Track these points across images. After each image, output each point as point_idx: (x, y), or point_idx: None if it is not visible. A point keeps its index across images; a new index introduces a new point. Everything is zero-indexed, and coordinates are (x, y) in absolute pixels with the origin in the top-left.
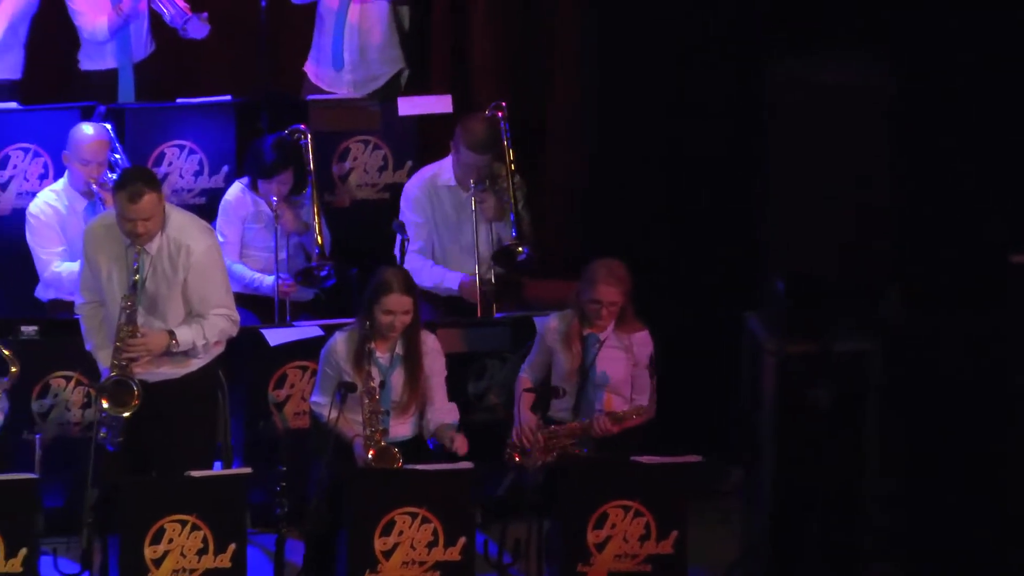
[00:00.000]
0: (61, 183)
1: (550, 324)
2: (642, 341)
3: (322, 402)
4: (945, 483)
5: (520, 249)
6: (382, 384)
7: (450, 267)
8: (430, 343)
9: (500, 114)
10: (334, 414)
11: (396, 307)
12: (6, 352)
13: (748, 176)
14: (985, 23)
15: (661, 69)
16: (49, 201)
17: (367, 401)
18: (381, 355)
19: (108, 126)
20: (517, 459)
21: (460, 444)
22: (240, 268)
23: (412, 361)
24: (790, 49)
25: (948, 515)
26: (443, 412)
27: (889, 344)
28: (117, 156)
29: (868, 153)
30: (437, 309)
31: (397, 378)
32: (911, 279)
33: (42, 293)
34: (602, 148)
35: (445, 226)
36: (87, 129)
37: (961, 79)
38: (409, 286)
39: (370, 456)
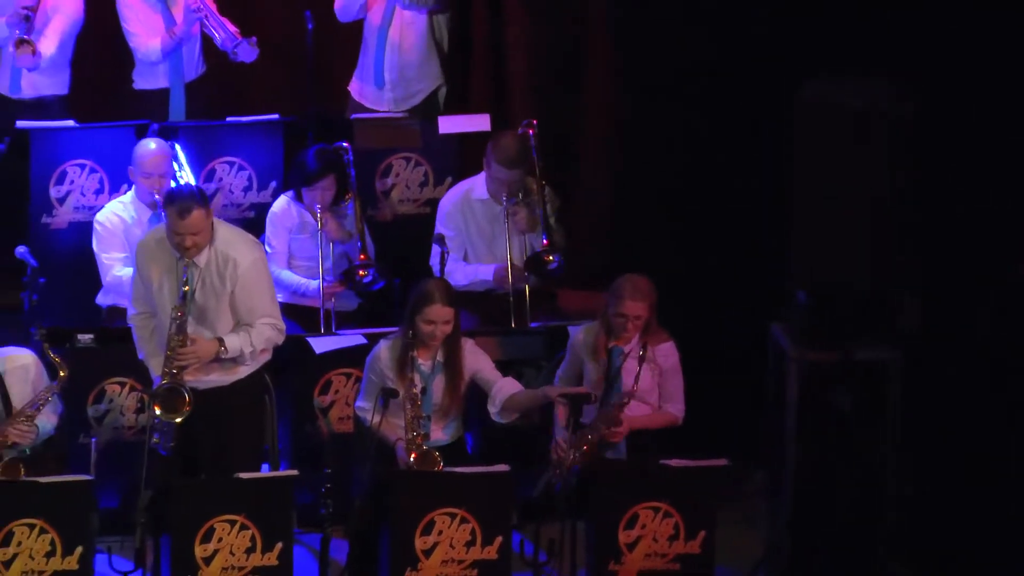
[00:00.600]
0: (129, 195)
1: (577, 336)
2: (666, 352)
3: (366, 407)
4: (961, 486)
5: (551, 257)
6: (424, 390)
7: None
8: (468, 347)
9: (531, 131)
10: (377, 418)
11: (437, 317)
12: (55, 358)
13: (773, 192)
14: (994, 51)
15: (690, 89)
16: (116, 211)
17: (409, 406)
18: (423, 362)
19: (178, 146)
20: (558, 474)
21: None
22: (287, 275)
23: (453, 368)
24: (815, 74)
25: (964, 517)
26: (508, 385)
27: (907, 352)
28: (178, 170)
29: (887, 171)
30: (476, 317)
31: (438, 384)
32: (928, 290)
33: (102, 299)
34: (632, 164)
35: (480, 238)
36: (150, 144)
37: (973, 102)
38: (451, 297)
39: (412, 459)
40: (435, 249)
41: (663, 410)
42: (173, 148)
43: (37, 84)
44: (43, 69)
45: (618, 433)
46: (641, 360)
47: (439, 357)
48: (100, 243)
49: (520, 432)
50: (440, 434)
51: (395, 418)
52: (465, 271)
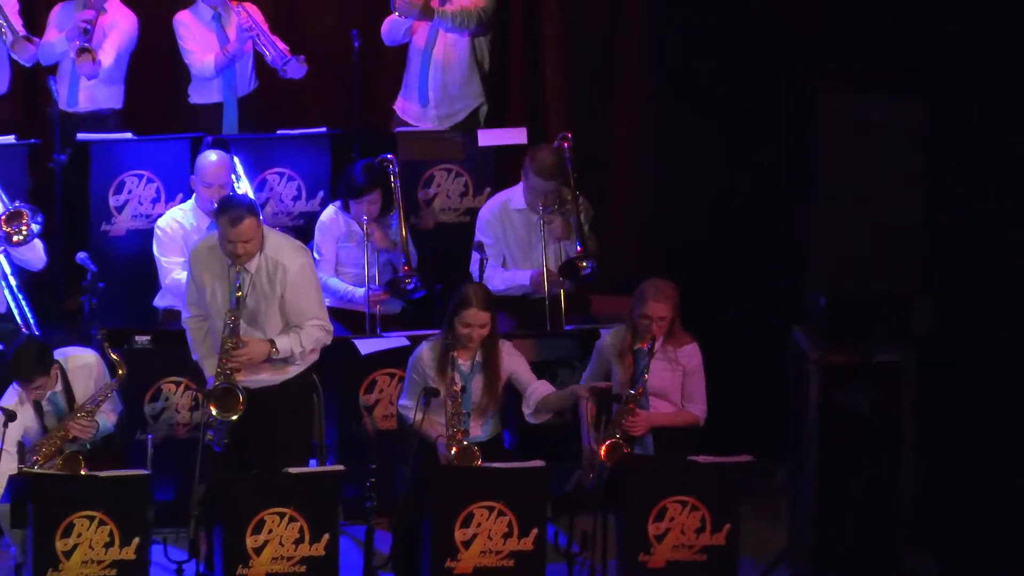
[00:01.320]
0: (189, 203)
1: (604, 340)
2: (689, 353)
3: (409, 405)
4: (973, 481)
5: (584, 264)
6: (463, 389)
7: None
8: (506, 349)
9: (566, 144)
10: (419, 416)
11: (474, 321)
12: (115, 357)
13: (795, 202)
14: (1003, 66)
15: (717, 102)
16: (176, 217)
17: (450, 404)
18: (463, 363)
19: (236, 158)
20: (592, 479)
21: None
22: (335, 282)
23: (490, 369)
24: (836, 89)
25: (976, 510)
26: (542, 388)
27: (921, 354)
28: (236, 181)
29: (903, 181)
30: (513, 321)
31: (477, 384)
32: (940, 295)
33: (159, 302)
34: (661, 175)
35: (517, 246)
36: (211, 156)
37: (983, 115)
38: (487, 302)
39: (452, 454)
40: (475, 256)
41: (685, 409)
42: (232, 160)
43: (93, 98)
44: (99, 83)
45: (636, 427)
46: (650, 353)
47: (478, 358)
48: (160, 247)
49: (554, 429)
50: (478, 431)
51: (436, 416)
52: (503, 277)
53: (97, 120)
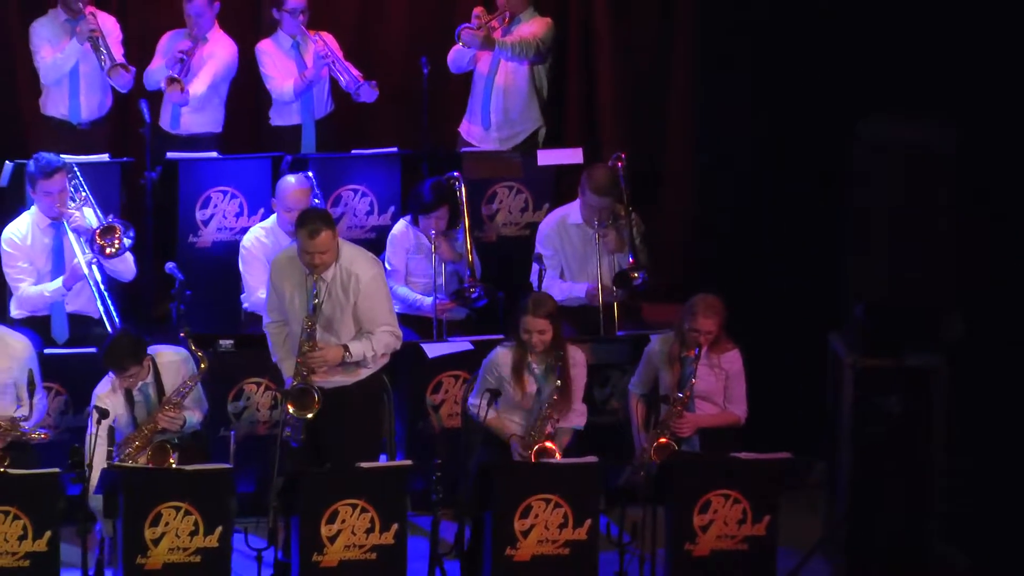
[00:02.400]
0: (271, 221)
1: (653, 347)
2: (732, 359)
3: (477, 403)
4: (1001, 478)
5: (636, 275)
6: (538, 391)
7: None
8: (577, 357)
9: (620, 163)
10: (491, 414)
11: (531, 327)
12: (198, 352)
13: (834, 217)
14: None
15: (761, 125)
16: (260, 237)
17: (526, 404)
18: (536, 366)
19: (311, 174)
20: (643, 476)
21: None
22: (405, 291)
23: (561, 372)
24: (872, 113)
25: (1004, 506)
26: (570, 416)
27: (951, 359)
28: (316, 201)
29: (934, 199)
30: (571, 327)
31: (549, 386)
32: (971, 304)
33: (247, 301)
34: (708, 192)
35: (574, 258)
36: (291, 179)
37: (1012, 137)
38: (543, 310)
39: (530, 454)
40: (534, 267)
41: (728, 411)
42: (311, 183)
43: (193, 122)
44: (197, 108)
45: (683, 428)
46: (696, 361)
47: (550, 362)
48: (246, 266)
49: (607, 429)
50: (550, 430)
51: (511, 415)
52: (561, 287)
53: (196, 142)
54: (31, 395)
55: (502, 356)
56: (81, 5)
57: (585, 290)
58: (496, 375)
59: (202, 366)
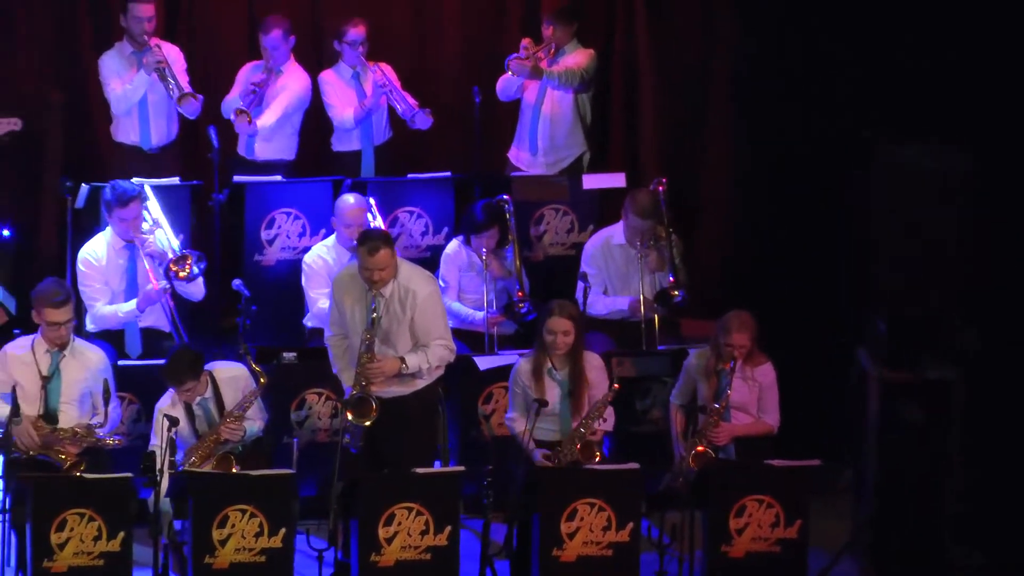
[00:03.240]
0: (331, 239)
1: (691, 361)
2: (764, 371)
3: (513, 416)
4: (1015, 483)
5: (676, 292)
6: (562, 396)
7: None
8: (595, 362)
9: (661, 188)
10: (526, 426)
11: (557, 327)
12: (256, 368)
13: (858, 238)
14: None
15: (791, 152)
16: (321, 254)
17: (554, 411)
18: (558, 372)
19: (372, 200)
20: (681, 482)
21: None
22: (458, 306)
23: (577, 377)
24: (890, 138)
25: (1016, 505)
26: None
27: (968, 372)
28: (372, 220)
29: (952, 220)
30: (613, 341)
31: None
32: (985, 319)
33: (308, 322)
34: (744, 214)
35: (617, 276)
36: (349, 199)
37: (1021, 160)
38: (568, 312)
39: (576, 449)
40: (580, 285)
41: (761, 420)
42: (367, 202)
43: (266, 149)
44: (267, 137)
45: (719, 437)
46: (731, 373)
47: (569, 366)
48: (308, 280)
49: (648, 437)
50: (591, 433)
51: (539, 422)
52: (604, 302)
53: (268, 168)
54: (106, 403)
55: (523, 366)
56: (146, 37)
57: (628, 303)
58: (520, 385)
59: (261, 381)
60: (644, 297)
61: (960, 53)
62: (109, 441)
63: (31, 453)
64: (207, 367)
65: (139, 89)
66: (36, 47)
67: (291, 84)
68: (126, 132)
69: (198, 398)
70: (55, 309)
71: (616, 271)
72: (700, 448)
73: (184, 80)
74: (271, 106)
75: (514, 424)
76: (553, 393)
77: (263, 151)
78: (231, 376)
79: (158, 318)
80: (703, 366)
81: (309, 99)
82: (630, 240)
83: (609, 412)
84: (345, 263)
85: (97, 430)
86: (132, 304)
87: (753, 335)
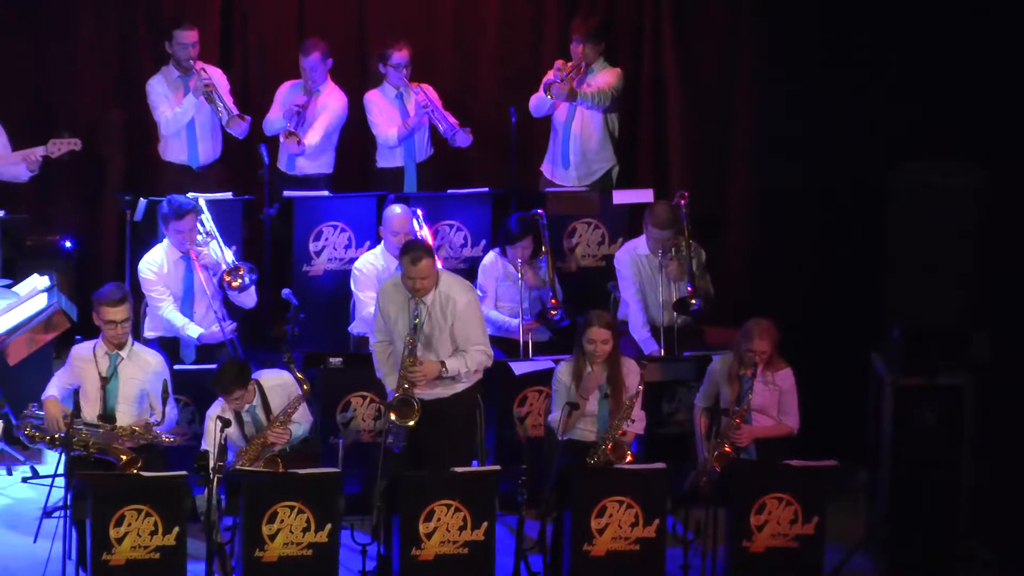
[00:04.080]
0: (379, 248)
1: (715, 366)
2: (784, 376)
3: (556, 416)
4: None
5: (693, 301)
6: (600, 398)
7: (649, 311)
8: (630, 366)
9: (683, 201)
10: (562, 425)
11: (595, 337)
12: (299, 375)
13: (874, 250)
14: None
15: (811, 166)
16: (371, 260)
17: (593, 412)
18: (597, 375)
19: (419, 211)
20: (705, 480)
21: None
22: (495, 314)
23: (615, 382)
24: (906, 157)
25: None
26: (632, 425)
27: (979, 378)
28: (418, 229)
29: (965, 234)
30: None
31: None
32: (996, 328)
33: (354, 328)
34: (767, 227)
35: (648, 284)
36: (396, 209)
37: None
38: (605, 322)
39: (608, 448)
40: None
41: (781, 423)
42: (415, 212)
43: (307, 164)
44: (310, 154)
45: (741, 439)
46: (753, 378)
47: (607, 371)
48: (358, 284)
49: (673, 438)
50: (622, 432)
51: (578, 422)
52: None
53: (309, 182)
54: (163, 403)
55: (564, 369)
56: (191, 62)
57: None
58: (562, 386)
59: (304, 388)
60: (664, 314)
61: (974, 75)
62: (165, 439)
63: (91, 451)
64: (254, 376)
65: (188, 112)
66: (97, 69)
67: (331, 103)
68: (175, 151)
69: (246, 406)
70: (112, 307)
71: (646, 278)
72: (724, 449)
73: (230, 101)
74: (314, 125)
75: (555, 424)
76: (592, 396)
77: (304, 166)
78: (277, 384)
79: (216, 335)
80: (726, 371)
81: (346, 116)
82: (652, 250)
83: (640, 415)
84: (392, 270)
85: (155, 427)
86: (195, 332)
87: (774, 342)
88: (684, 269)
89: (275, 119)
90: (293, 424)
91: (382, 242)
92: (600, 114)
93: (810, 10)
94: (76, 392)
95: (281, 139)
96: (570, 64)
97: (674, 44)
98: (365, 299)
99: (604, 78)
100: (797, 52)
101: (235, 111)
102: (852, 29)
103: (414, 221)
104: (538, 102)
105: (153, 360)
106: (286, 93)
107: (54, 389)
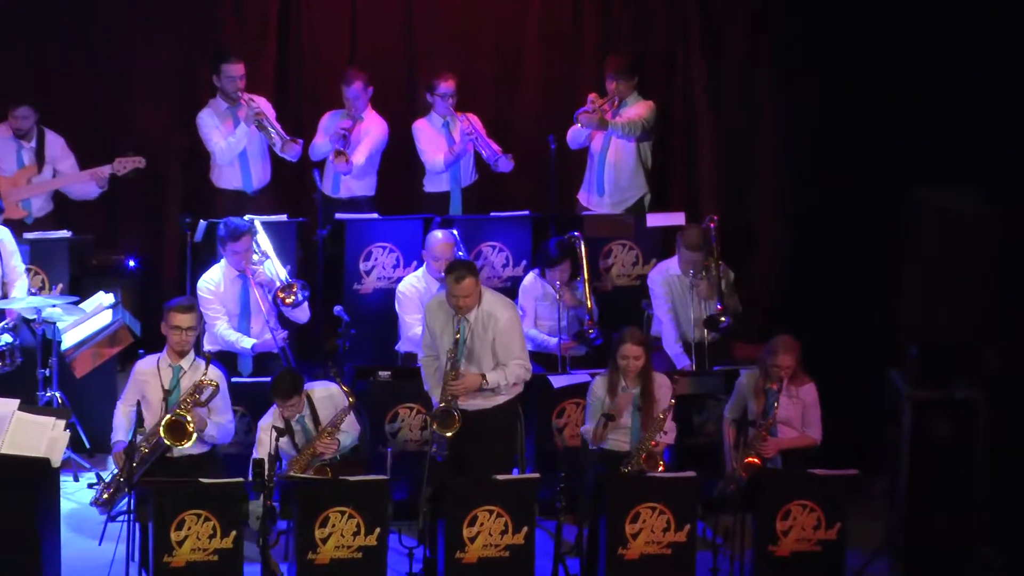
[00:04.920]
0: (422, 270)
1: (742, 380)
2: (808, 390)
3: (590, 428)
4: None
5: (722, 319)
6: (632, 411)
7: (681, 328)
8: (661, 380)
9: (712, 224)
10: (596, 434)
11: (629, 353)
12: (345, 388)
13: (892, 271)
14: None
15: (833, 192)
16: (413, 283)
17: (626, 424)
18: (629, 389)
19: (455, 232)
20: (733, 488)
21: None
22: (534, 332)
23: (647, 395)
24: (923, 183)
25: None
26: (663, 436)
27: (992, 393)
28: (461, 253)
29: (977, 255)
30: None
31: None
32: (1008, 345)
33: (401, 347)
34: (792, 248)
35: (679, 302)
36: (438, 235)
37: None
38: (638, 339)
39: (642, 459)
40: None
41: (805, 435)
42: (455, 236)
43: (351, 187)
44: (356, 176)
45: (767, 450)
46: (778, 392)
47: (640, 385)
48: (402, 307)
49: (702, 448)
50: (654, 443)
51: (612, 434)
52: (664, 333)
53: (353, 204)
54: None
55: (599, 383)
56: (239, 93)
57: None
58: (597, 399)
59: (350, 400)
60: (694, 331)
61: (993, 100)
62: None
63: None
64: (305, 387)
65: (242, 141)
66: (160, 96)
67: (373, 129)
68: (228, 179)
69: (297, 415)
70: (180, 313)
71: (678, 296)
72: (750, 459)
73: (279, 127)
74: (359, 148)
75: (588, 435)
76: (626, 409)
77: (348, 188)
78: (325, 395)
79: (268, 341)
80: (753, 385)
81: (387, 141)
82: (683, 270)
83: (671, 427)
84: (434, 291)
85: (206, 388)
86: (249, 343)
87: (798, 357)
88: (714, 288)
89: (321, 144)
90: (341, 434)
91: (424, 265)
92: (633, 145)
93: (831, 37)
94: (138, 404)
95: (330, 159)
96: (603, 99)
97: (704, 74)
98: (411, 321)
99: (636, 110)
100: (818, 80)
101: (286, 136)
102: (876, 59)
103: (456, 247)
104: (574, 134)
105: (211, 373)
106: (327, 121)
107: (121, 434)
